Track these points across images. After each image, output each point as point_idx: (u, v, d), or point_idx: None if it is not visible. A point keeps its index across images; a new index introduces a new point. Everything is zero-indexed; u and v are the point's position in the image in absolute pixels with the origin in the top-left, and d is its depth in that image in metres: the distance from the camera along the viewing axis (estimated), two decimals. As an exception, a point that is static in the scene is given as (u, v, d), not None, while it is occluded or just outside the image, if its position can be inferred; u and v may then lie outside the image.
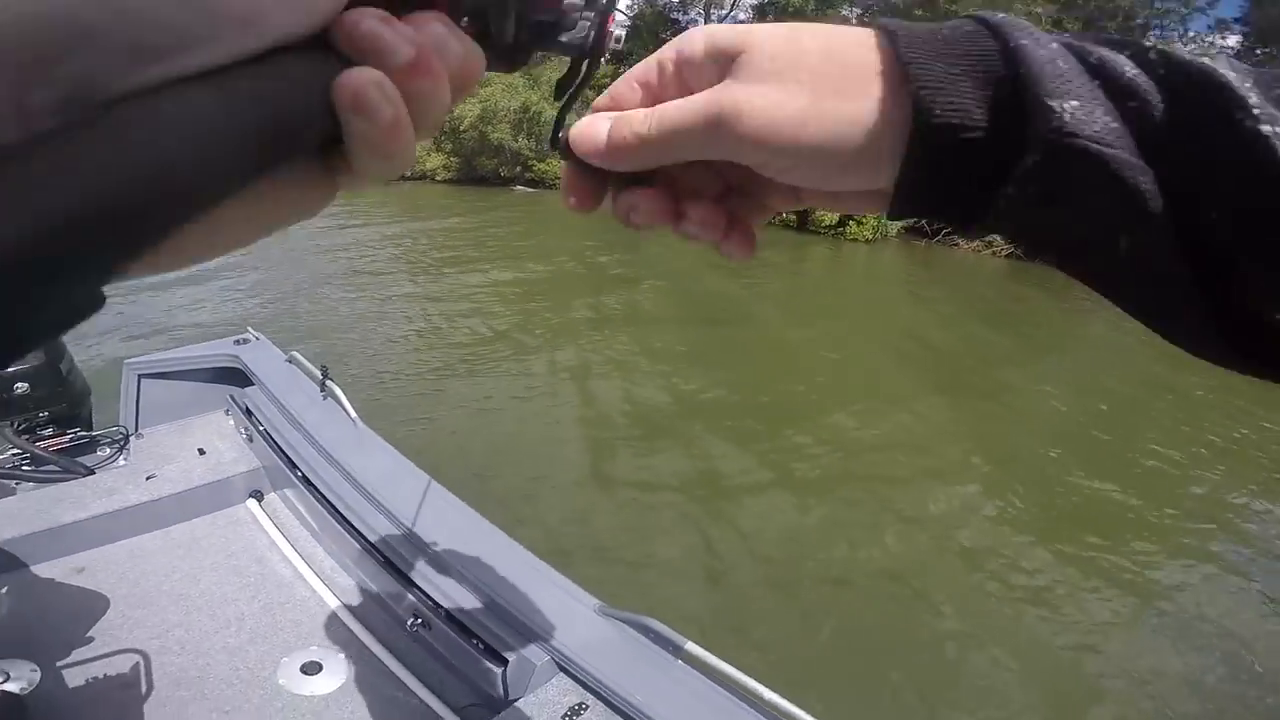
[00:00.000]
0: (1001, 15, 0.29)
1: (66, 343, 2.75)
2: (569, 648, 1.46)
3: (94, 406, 2.84)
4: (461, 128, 32.81)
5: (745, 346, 8.18)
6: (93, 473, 2.45)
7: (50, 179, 0.13)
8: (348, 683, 1.74)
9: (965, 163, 0.27)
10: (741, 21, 30.63)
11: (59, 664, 1.73)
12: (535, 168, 30.49)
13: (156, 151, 0.15)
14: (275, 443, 2.34)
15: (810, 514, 4.52)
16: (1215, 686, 3.26)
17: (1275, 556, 4.40)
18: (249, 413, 2.54)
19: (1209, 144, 0.23)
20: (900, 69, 0.28)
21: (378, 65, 0.20)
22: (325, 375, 2.39)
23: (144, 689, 1.72)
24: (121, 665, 1.77)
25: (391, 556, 1.76)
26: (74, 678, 1.71)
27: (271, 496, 2.43)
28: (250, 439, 2.52)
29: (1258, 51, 20.73)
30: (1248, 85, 0.24)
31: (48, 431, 2.59)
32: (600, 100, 0.38)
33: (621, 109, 0.36)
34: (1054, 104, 0.24)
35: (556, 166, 31.10)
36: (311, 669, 1.76)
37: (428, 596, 1.64)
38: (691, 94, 0.33)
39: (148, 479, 2.36)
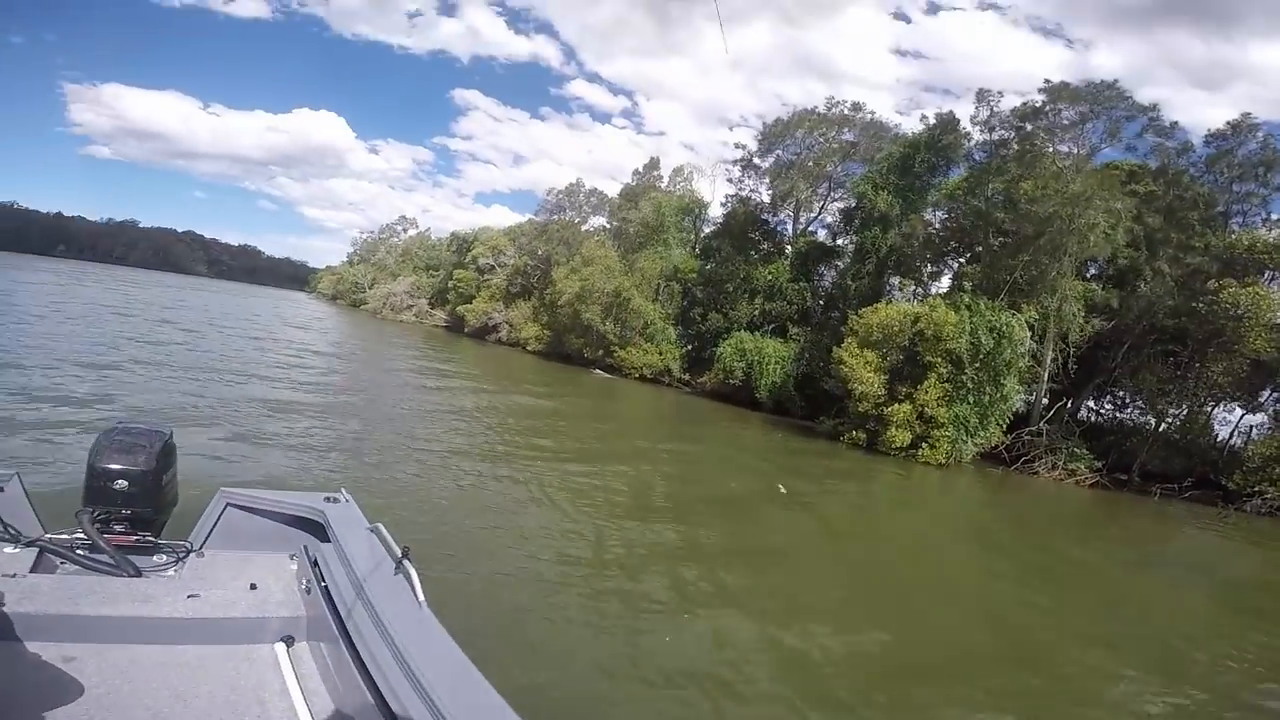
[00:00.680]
0: None
1: (178, 457, 2.95)
2: None
3: (174, 519, 2.94)
4: (559, 302, 35.87)
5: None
6: (140, 575, 2.42)
7: None
8: None
9: None
10: (828, 225, 32.63)
11: None
12: (616, 354, 31.62)
13: None
14: (330, 597, 2.29)
15: None
16: None
17: None
18: (315, 564, 2.52)
19: None
20: None
21: None
22: (405, 555, 2.34)
23: None
24: None
25: None
26: None
27: (302, 645, 2.32)
28: (309, 589, 2.48)
29: None
30: None
31: (120, 527, 2.63)
32: None
33: None
34: None
35: (635, 356, 32.42)
36: None
37: None
38: None
39: (189, 597, 2.31)
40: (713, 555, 8.01)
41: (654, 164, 41.49)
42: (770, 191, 32.55)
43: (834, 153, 31.49)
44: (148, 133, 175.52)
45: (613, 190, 43.76)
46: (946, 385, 18.30)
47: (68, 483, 5.01)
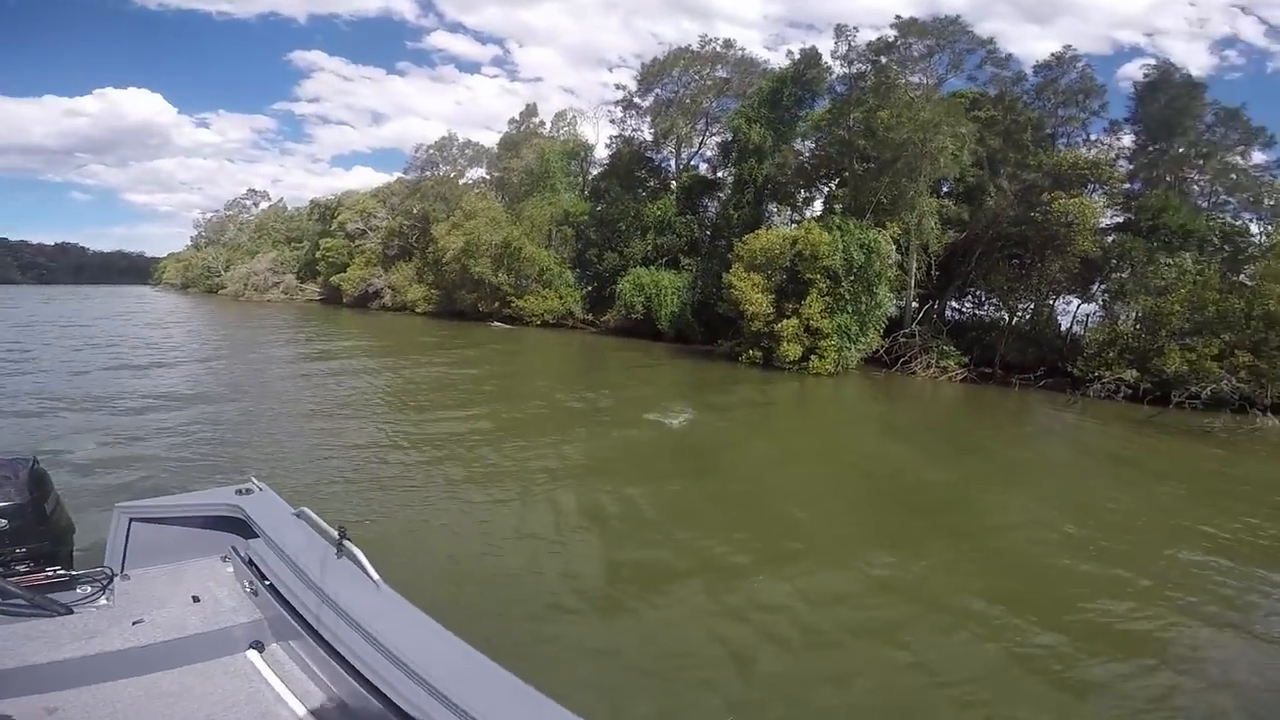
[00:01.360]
0: None
1: (54, 481, 2.71)
2: None
3: (77, 546, 2.74)
4: (444, 259, 34.17)
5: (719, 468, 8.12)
6: (70, 611, 2.26)
7: None
8: None
9: None
10: (709, 159, 33.36)
11: None
12: (514, 304, 31.13)
13: None
14: (282, 596, 2.18)
15: None
16: None
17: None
18: (251, 564, 2.40)
19: None
20: None
21: None
22: (343, 535, 2.25)
23: None
24: None
25: (417, 715, 1.58)
26: None
27: (275, 648, 2.23)
28: (255, 591, 2.36)
29: (1150, 148, 22.70)
30: None
31: (23, 567, 2.44)
32: None
33: None
34: None
35: (534, 303, 32.14)
36: None
37: None
38: None
39: (134, 624, 2.18)
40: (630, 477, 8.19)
41: (532, 110, 39.83)
42: (652, 130, 32.72)
43: (709, 89, 32.18)
44: None
45: (489, 141, 41.71)
46: (827, 299, 19.58)
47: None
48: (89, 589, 2.46)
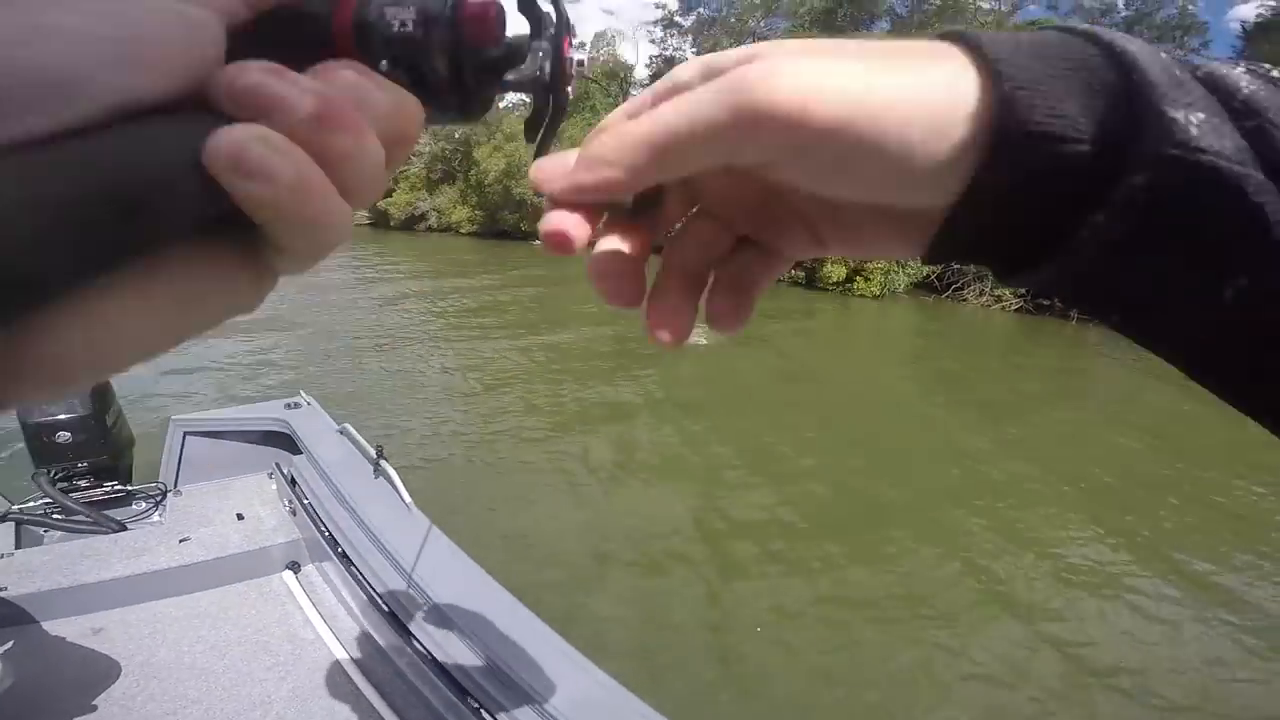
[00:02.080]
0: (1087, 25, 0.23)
1: (117, 392, 2.66)
2: None
3: (135, 460, 2.71)
4: (486, 181, 33.68)
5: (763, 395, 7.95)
6: (124, 529, 2.30)
7: None
8: None
9: (1054, 185, 0.21)
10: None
11: None
12: (555, 222, 30.56)
13: None
14: (318, 516, 2.18)
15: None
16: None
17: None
18: (293, 482, 2.39)
19: None
20: (984, 64, 0.21)
21: (272, 124, 0.17)
22: (380, 455, 2.22)
23: None
24: None
25: (434, 650, 1.56)
26: None
27: (309, 569, 2.24)
28: (293, 511, 2.37)
29: None
30: None
31: (84, 482, 2.45)
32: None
33: None
34: (1178, 115, 0.20)
35: (575, 221, 32.42)
36: None
37: (472, 697, 1.48)
38: None
39: (180, 542, 2.20)
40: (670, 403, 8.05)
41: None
42: (694, 50, 31.16)
43: (756, 7, 30.28)
44: None
45: (529, 64, 40.17)
46: (877, 220, 18.71)
47: (8, 446, 4.47)
48: (144, 505, 2.48)
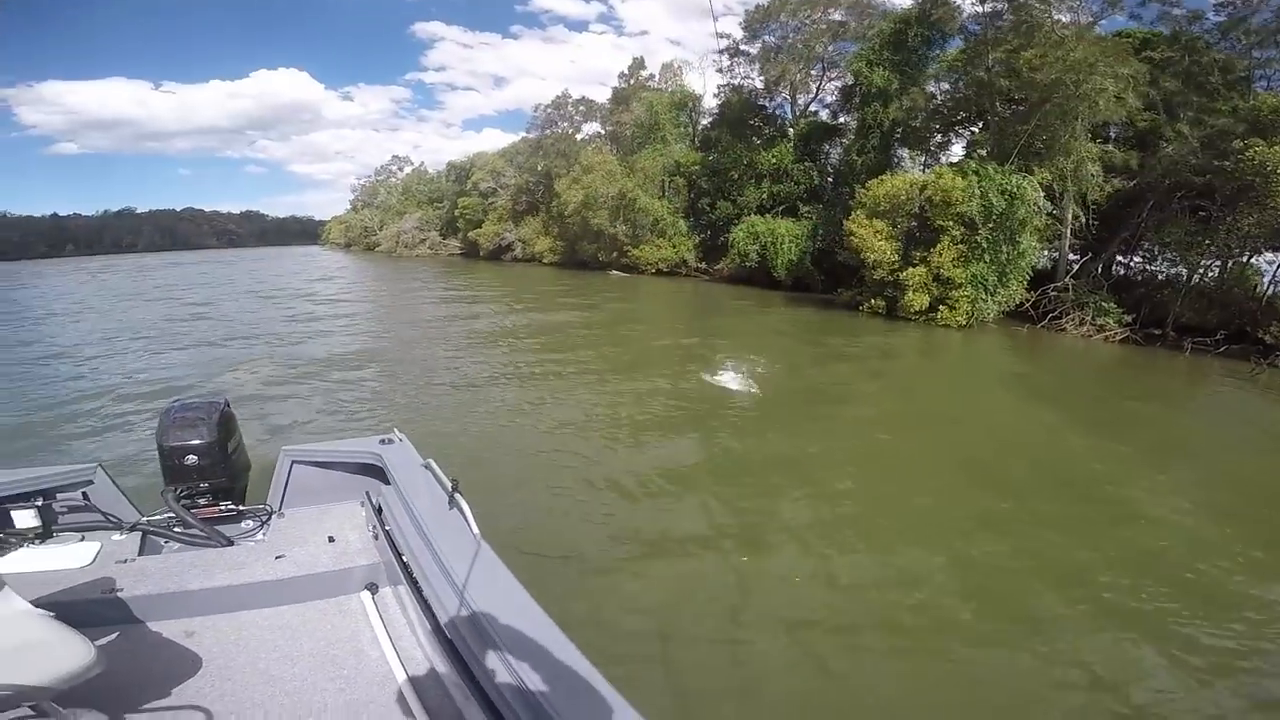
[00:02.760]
0: None
1: (240, 423, 2.95)
2: None
3: (251, 483, 2.96)
4: (566, 213, 34.69)
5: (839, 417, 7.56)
6: (232, 544, 2.45)
7: None
8: None
9: None
10: (828, 104, 30.76)
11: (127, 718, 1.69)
12: (630, 253, 31.04)
13: None
14: (395, 542, 2.28)
15: None
16: None
17: None
18: (379, 510, 2.51)
19: None
20: None
21: None
22: (455, 488, 2.33)
23: None
24: None
25: (483, 679, 1.61)
26: None
27: (385, 591, 2.34)
28: (376, 536, 2.49)
29: None
30: None
31: (204, 500, 2.66)
32: None
33: None
34: None
35: (649, 252, 31.78)
36: None
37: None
38: None
39: (276, 558, 2.34)
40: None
41: (639, 64, 38.65)
42: (762, 78, 30.68)
43: (823, 33, 29.40)
44: (107, 121, 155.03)
45: (604, 97, 41.06)
46: (961, 247, 17.47)
47: (146, 465, 5.02)
48: (251, 524, 2.63)
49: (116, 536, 2.47)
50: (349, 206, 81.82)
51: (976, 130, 23.20)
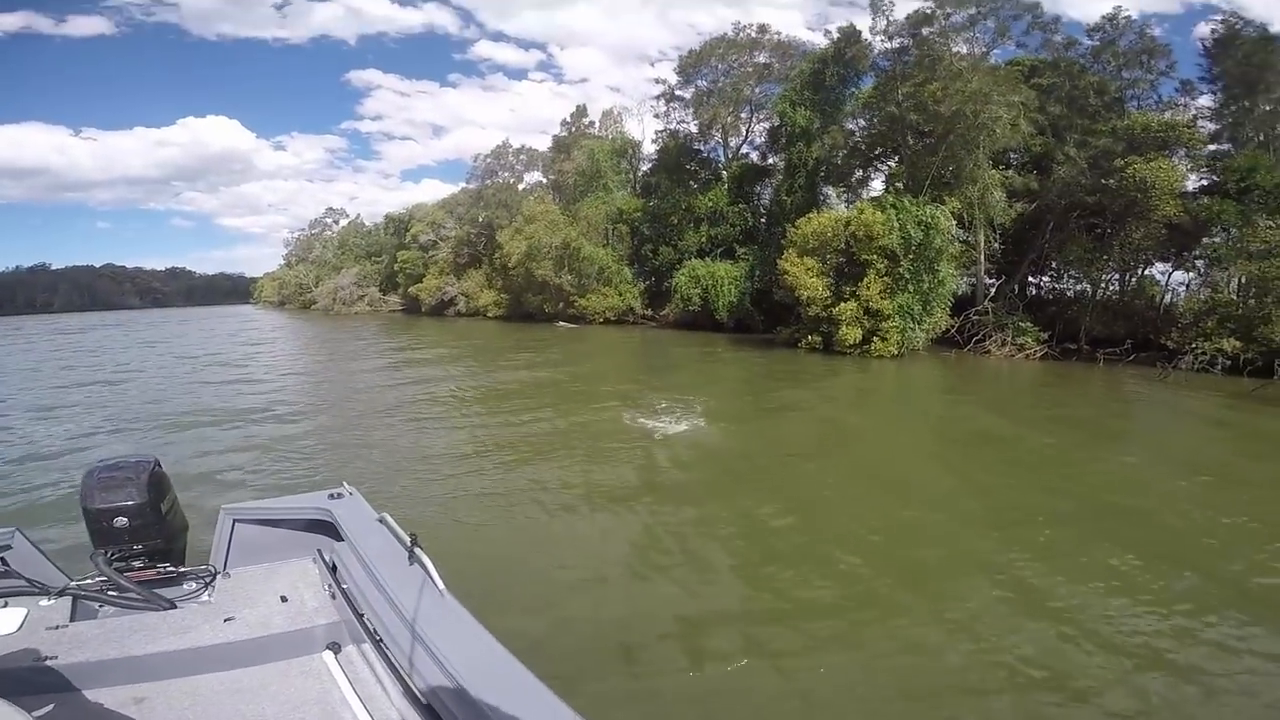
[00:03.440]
0: None
1: (173, 483, 2.83)
2: None
3: (190, 544, 2.83)
4: (510, 265, 34.91)
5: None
6: (174, 606, 2.36)
7: None
8: None
9: None
10: (758, 146, 32.40)
11: None
12: (577, 303, 31.42)
13: None
14: (355, 600, 2.23)
15: None
16: None
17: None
18: (334, 568, 2.44)
19: None
20: None
21: None
22: (414, 542, 2.26)
23: None
24: None
25: None
26: None
27: (350, 650, 2.25)
28: (334, 594, 2.41)
29: (1231, 107, 20.57)
30: None
31: (139, 563, 2.54)
32: None
33: None
34: None
35: (595, 301, 32.39)
36: None
37: None
38: None
39: (226, 620, 2.24)
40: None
41: (581, 111, 39.91)
42: (696, 122, 32.22)
43: (749, 76, 31.35)
44: (21, 170, 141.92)
45: (546, 145, 41.93)
46: (886, 279, 18.74)
47: (70, 529, 4.80)
48: (193, 585, 2.55)
49: (44, 602, 2.37)
50: (282, 262, 79.65)
51: (893, 164, 24.97)
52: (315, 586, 2.51)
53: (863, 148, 26.17)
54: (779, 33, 31.11)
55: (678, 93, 32.78)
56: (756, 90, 31.41)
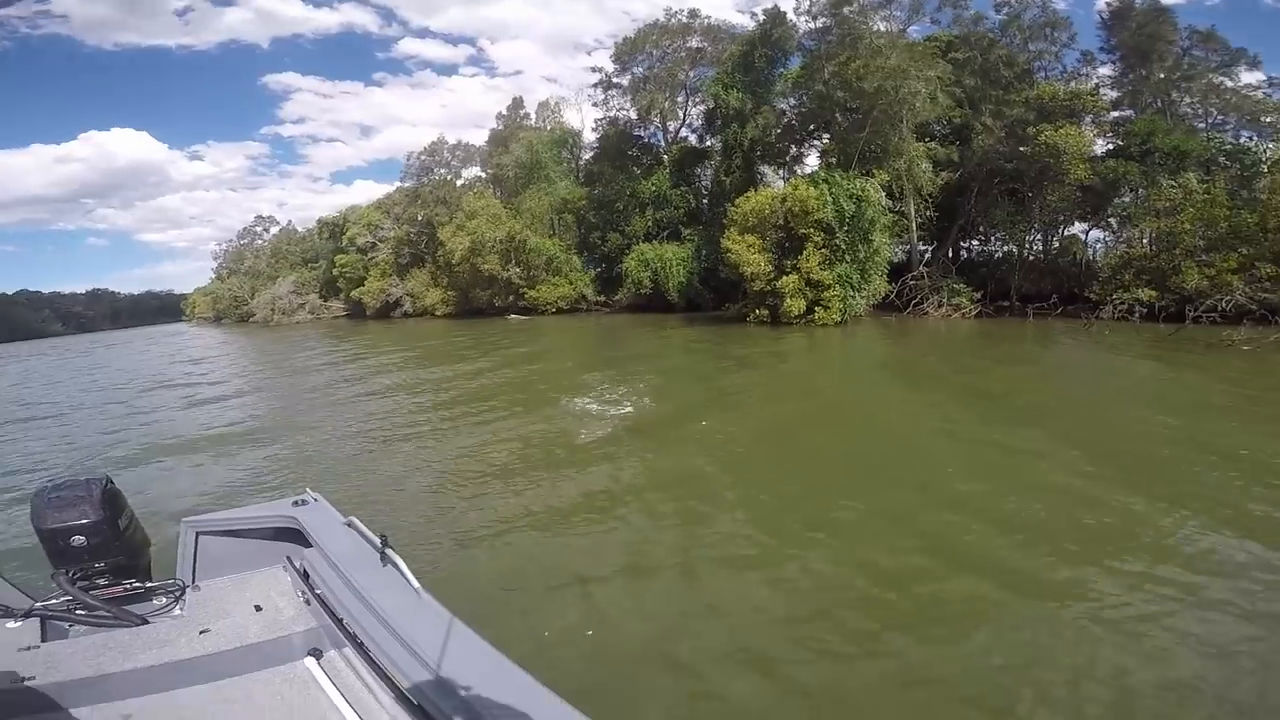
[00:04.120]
0: None
1: (128, 498, 2.75)
2: None
3: (152, 560, 2.77)
4: (454, 261, 34.49)
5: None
6: (145, 622, 2.33)
7: None
8: None
9: None
10: (696, 129, 32.93)
11: None
12: (527, 295, 31.45)
13: None
14: (330, 606, 2.23)
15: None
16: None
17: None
18: (306, 575, 2.43)
19: None
20: None
21: None
22: (385, 544, 2.26)
23: None
24: None
25: None
26: None
27: (332, 655, 2.23)
28: (308, 601, 2.40)
29: (1129, 75, 22.33)
30: None
31: (103, 581, 2.51)
32: None
33: None
34: None
35: (546, 292, 32.37)
36: None
37: None
38: None
39: (202, 633, 2.23)
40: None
41: (518, 104, 39.43)
42: (635, 108, 32.46)
43: (683, 60, 31.77)
44: None
45: (482, 140, 41.33)
46: (824, 251, 19.58)
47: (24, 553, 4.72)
48: (163, 600, 2.52)
49: (11, 624, 2.35)
50: (213, 275, 75.85)
51: (826, 140, 25.89)
52: (289, 594, 2.50)
53: (795, 126, 27.04)
54: (709, 17, 31.62)
55: (615, 80, 32.88)
56: (691, 74, 31.91)
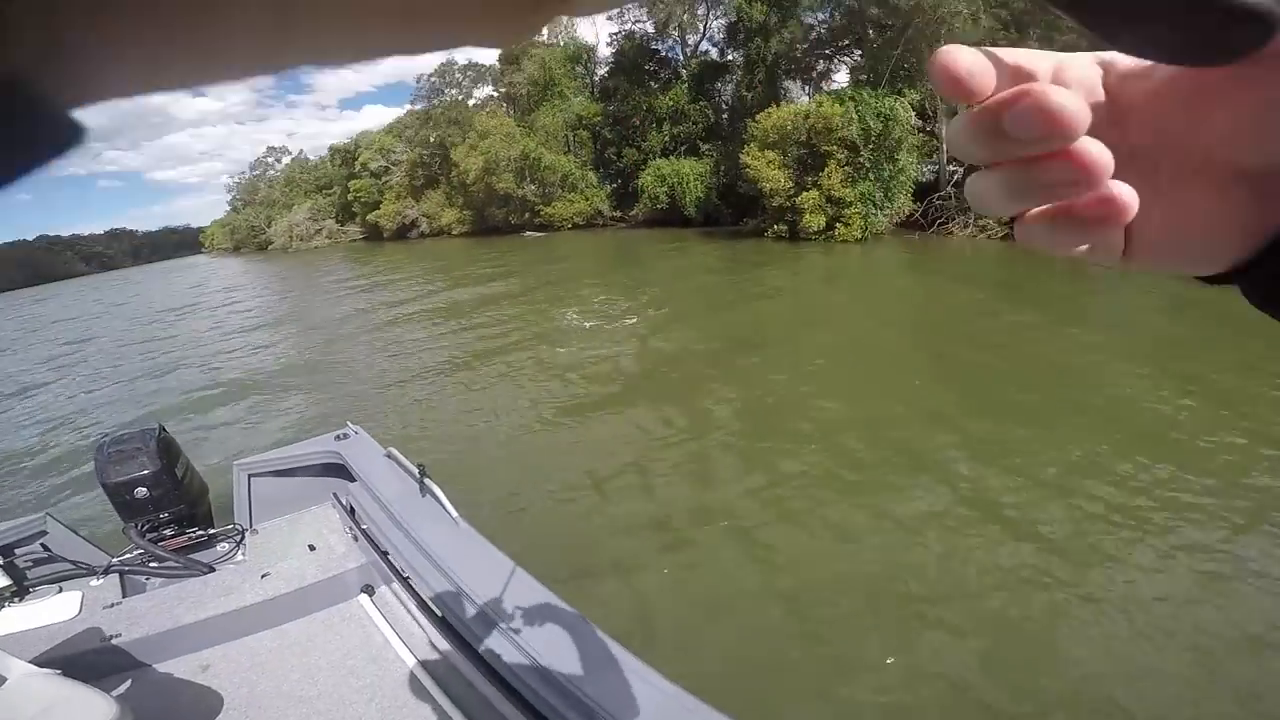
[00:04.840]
0: None
1: (183, 448, 2.90)
2: None
3: (212, 505, 2.96)
4: (469, 181, 34.19)
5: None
6: (213, 570, 2.44)
7: None
8: None
9: None
10: (716, 43, 31.60)
11: None
12: (543, 212, 31.17)
13: None
14: (374, 540, 2.32)
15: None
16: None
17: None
18: (352, 510, 2.52)
19: None
20: None
21: None
22: (423, 474, 2.30)
23: None
24: None
25: (497, 664, 1.60)
26: None
27: (383, 591, 2.35)
28: (356, 537, 2.51)
29: None
30: None
31: (169, 531, 2.62)
32: None
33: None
34: None
35: (562, 208, 32.30)
36: None
37: (529, 706, 1.52)
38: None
39: (263, 578, 2.33)
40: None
41: (530, 19, 38.04)
42: (652, 20, 31.23)
43: (698, -32, 30.26)
44: None
45: (493, 58, 40.03)
46: (846, 169, 19.19)
47: (94, 506, 4.98)
48: (226, 546, 2.64)
49: (94, 582, 2.44)
50: (228, 208, 75.65)
51: (855, 58, 24.87)
52: (338, 531, 2.61)
53: (824, 40, 25.93)
54: (733, -77, 29.66)
55: (631, -10, 31.49)
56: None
